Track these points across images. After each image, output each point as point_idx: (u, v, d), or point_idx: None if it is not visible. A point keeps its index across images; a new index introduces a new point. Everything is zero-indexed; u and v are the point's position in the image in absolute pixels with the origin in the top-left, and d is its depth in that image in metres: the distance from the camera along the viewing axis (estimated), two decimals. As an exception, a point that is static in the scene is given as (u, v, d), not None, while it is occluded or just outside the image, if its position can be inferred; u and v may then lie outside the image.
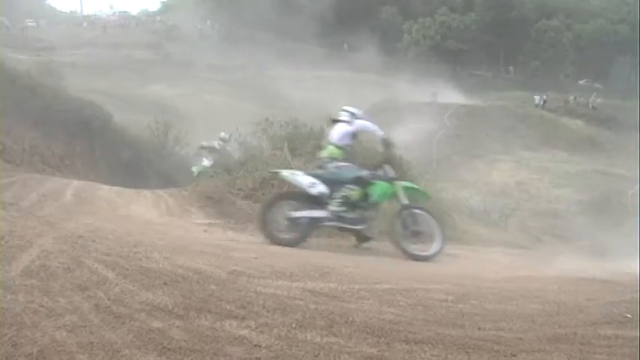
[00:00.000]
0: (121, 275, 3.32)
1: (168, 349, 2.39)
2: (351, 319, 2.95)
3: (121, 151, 13.27)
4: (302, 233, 5.73)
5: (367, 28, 50.55)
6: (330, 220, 5.82)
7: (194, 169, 11.52)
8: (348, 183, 5.84)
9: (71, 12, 63.43)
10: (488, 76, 53.71)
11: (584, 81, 51.17)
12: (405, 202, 5.94)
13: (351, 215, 5.84)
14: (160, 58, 43.07)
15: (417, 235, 5.91)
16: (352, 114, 6.20)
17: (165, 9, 63.91)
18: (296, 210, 5.75)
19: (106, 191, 7.63)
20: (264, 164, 8.12)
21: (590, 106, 40.66)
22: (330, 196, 5.80)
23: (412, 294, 3.63)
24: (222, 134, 12.10)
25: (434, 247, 5.88)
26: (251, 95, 35.13)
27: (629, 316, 3.30)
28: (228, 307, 2.97)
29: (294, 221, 5.73)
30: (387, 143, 6.19)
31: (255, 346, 2.51)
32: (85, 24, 53.13)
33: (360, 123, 6.14)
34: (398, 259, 5.61)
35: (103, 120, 13.70)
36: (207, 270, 3.69)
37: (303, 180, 5.83)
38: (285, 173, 6.07)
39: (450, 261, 6.11)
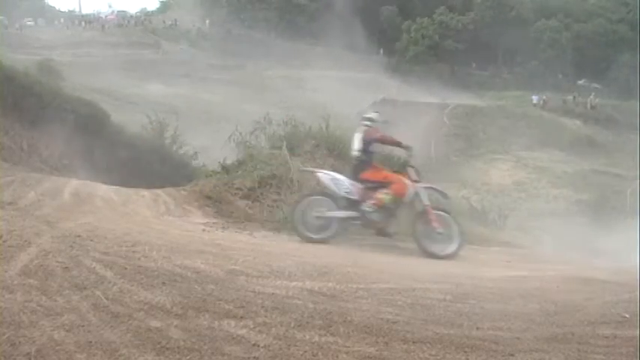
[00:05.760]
0: (119, 274, 3.32)
1: (167, 349, 2.39)
2: (349, 318, 2.95)
3: (119, 150, 13.23)
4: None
5: (366, 28, 50.49)
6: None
7: None
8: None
9: (70, 11, 63.36)
10: (486, 75, 53.75)
11: (582, 81, 51.18)
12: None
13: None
14: (158, 57, 43.07)
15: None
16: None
17: (164, 8, 63.90)
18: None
19: (104, 190, 7.60)
20: (262, 163, 8.09)
21: (589, 105, 40.73)
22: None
23: (410, 293, 3.63)
24: None
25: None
26: (250, 95, 35.11)
27: (627, 315, 3.30)
28: (226, 306, 2.97)
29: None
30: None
31: (254, 345, 2.51)
32: (83, 23, 53.03)
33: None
34: (397, 259, 5.61)
35: (101, 119, 13.65)
36: (206, 269, 3.69)
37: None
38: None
39: (448, 260, 6.10)
